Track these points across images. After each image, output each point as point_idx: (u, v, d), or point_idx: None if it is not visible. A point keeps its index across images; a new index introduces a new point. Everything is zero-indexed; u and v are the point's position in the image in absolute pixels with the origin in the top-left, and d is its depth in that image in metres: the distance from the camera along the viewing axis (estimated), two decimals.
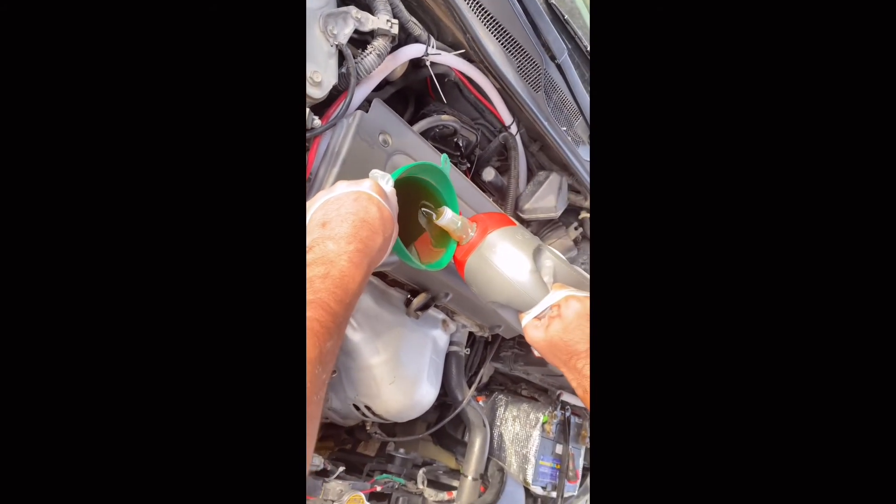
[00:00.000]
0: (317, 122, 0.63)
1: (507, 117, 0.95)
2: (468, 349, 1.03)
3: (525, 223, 1.06)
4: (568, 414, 1.20)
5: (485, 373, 1.12)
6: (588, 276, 0.64)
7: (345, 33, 0.65)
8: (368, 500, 0.77)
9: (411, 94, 0.94)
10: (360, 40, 0.71)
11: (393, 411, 0.81)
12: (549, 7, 0.92)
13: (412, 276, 0.79)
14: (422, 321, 0.85)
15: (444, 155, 0.70)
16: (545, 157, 1.07)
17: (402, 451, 1.00)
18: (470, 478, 0.95)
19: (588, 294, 0.59)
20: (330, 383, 0.76)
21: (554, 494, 1.14)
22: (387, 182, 0.56)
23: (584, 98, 0.96)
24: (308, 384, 0.34)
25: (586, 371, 0.54)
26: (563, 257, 0.64)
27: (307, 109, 0.62)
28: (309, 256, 0.44)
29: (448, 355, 0.95)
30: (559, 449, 1.16)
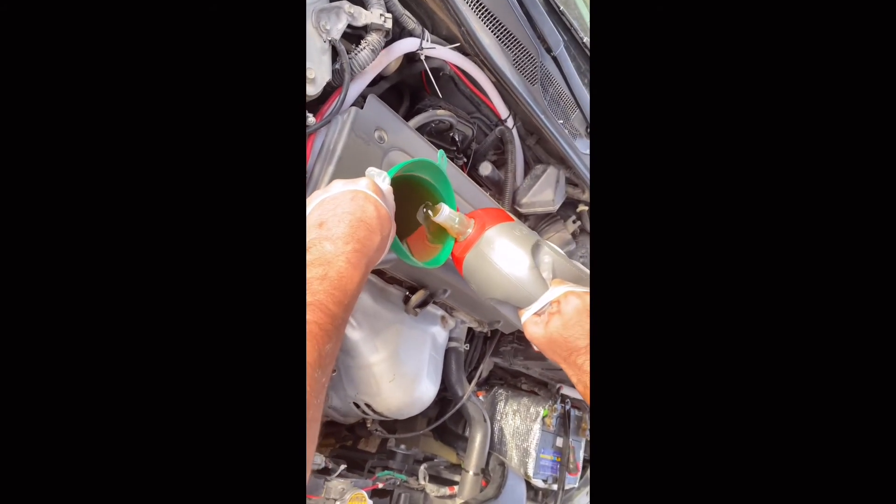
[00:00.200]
0: (311, 119, 0.63)
1: (503, 111, 0.94)
2: (467, 345, 1.03)
3: (523, 217, 1.06)
4: (568, 407, 1.20)
5: (484, 368, 1.12)
6: (587, 271, 0.63)
7: (338, 28, 0.64)
8: (370, 497, 0.77)
9: (406, 89, 0.93)
10: (354, 35, 0.70)
11: (393, 409, 0.81)
12: None
13: (410, 273, 0.79)
14: (420, 318, 0.85)
15: (441, 151, 0.69)
16: (542, 150, 1.06)
17: (402, 447, 1.00)
18: (471, 473, 0.96)
19: (587, 289, 0.59)
20: (329, 382, 0.76)
21: (555, 487, 1.15)
22: (383, 180, 0.56)
23: (581, 90, 0.95)
24: (308, 387, 0.34)
25: (586, 367, 0.53)
26: (562, 252, 0.64)
27: None
28: (306, 257, 0.43)
29: (447, 351, 0.95)
30: (559, 442, 1.16)
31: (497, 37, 0.82)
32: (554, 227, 1.08)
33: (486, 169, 0.97)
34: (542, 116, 0.92)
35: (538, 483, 1.10)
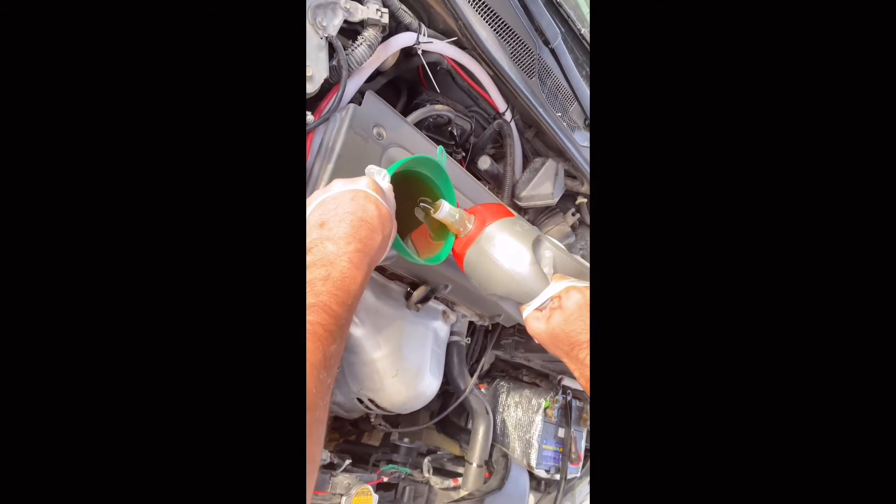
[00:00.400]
0: (309, 117, 0.62)
1: (500, 104, 0.94)
2: (469, 338, 1.04)
3: (522, 211, 1.06)
4: (569, 398, 1.21)
5: (486, 361, 1.13)
6: (588, 265, 0.63)
7: (334, 25, 0.63)
8: (375, 490, 0.78)
9: (403, 84, 0.93)
10: (350, 30, 0.69)
11: (397, 404, 0.82)
12: None
13: (411, 269, 0.79)
14: (422, 313, 0.85)
15: (441, 147, 0.69)
16: (540, 142, 1.06)
17: (406, 440, 1.01)
18: (475, 465, 0.97)
19: (588, 284, 0.59)
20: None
21: (557, 477, 1.16)
22: (383, 178, 0.55)
23: (579, 83, 0.94)
24: (314, 388, 0.34)
25: (588, 361, 0.54)
26: (563, 247, 0.64)
27: None
28: (308, 258, 0.43)
29: (449, 345, 0.96)
30: (561, 432, 1.18)
31: (494, 30, 0.82)
32: (553, 220, 1.08)
33: (484, 163, 0.97)
34: (541, 109, 0.92)
35: (541, 473, 1.11)
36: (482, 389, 1.20)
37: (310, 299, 0.39)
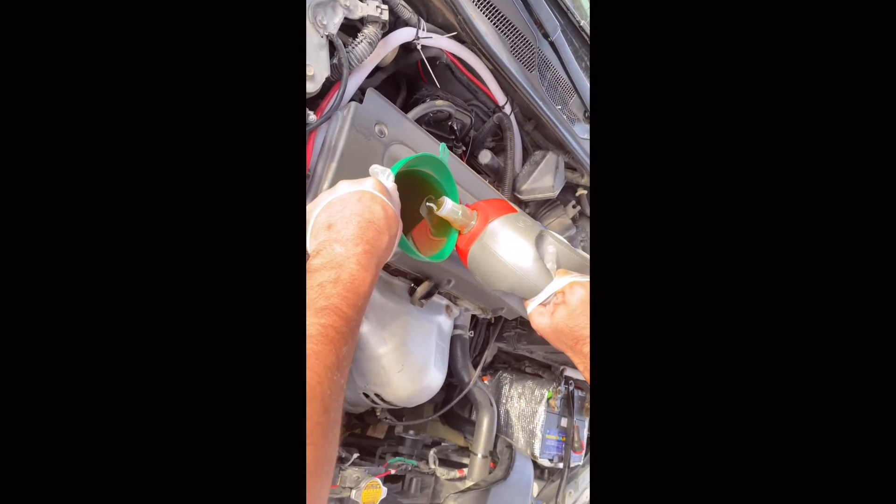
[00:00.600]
0: (312, 117, 0.62)
1: (500, 97, 0.94)
2: (472, 332, 1.05)
3: (523, 204, 1.06)
4: (571, 388, 1.23)
5: (489, 353, 1.14)
6: (589, 258, 0.64)
7: (334, 23, 0.63)
8: (383, 483, 0.79)
9: (403, 79, 0.92)
10: (349, 26, 0.69)
11: (402, 398, 0.83)
12: None
13: (415, 265, 0.80)
14: (426, 308, 0.86)
15: (443, 144, 0.69)
16: (540, 135, 1.06)
17: (411, 432, 1.03)
18: (480, 455, 0.98)
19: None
20: None
21: (561, 465, 1.18)
22: (387, 178, 0.56)
23: (579, 75, 0.94)
24: (328, 390, 0.35)
25: None
26: (566, 241, 0.65)
27: None
28: (317, 261, 0.44)
29: (453, 339, 0.97)
30: (564, 422, 1.19)
31: (494, 24, 0.81)
32: (554, 213, 1.09)
33: (485, 157, 0.97)
34: (540, 102, 0.92)
35: (544, 462, 1.13)
36: (486, 381, 1.22)
37: (321, 302, 0.40)
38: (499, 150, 1.04)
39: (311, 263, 0.44)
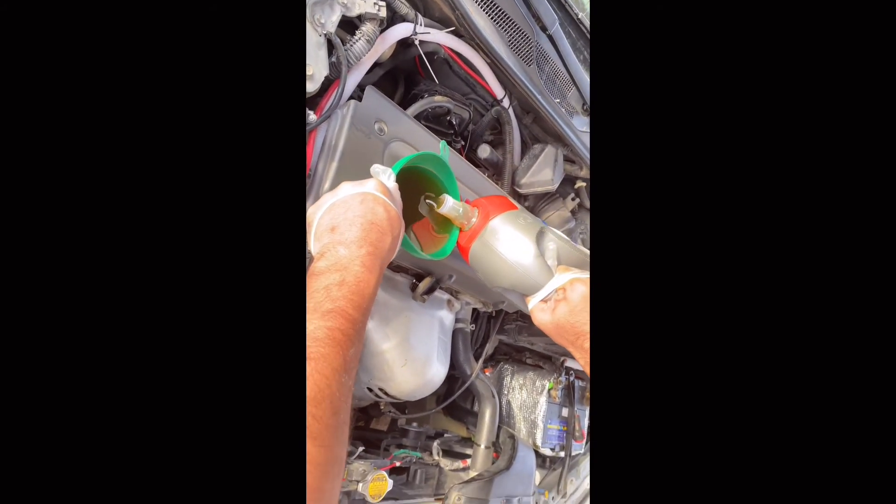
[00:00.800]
0: (311, 116, 0.62)
1: (498, 91, 0.93)
2: (473, 325, 1.06)
3: (522, 198, 1.06)
4: (572, 378, 1.24)
5: (490, 346, 1.15)
6: (589, 253, 0.65)
7: (332, 21, 0.63)
8: (389, 475, 0.80)
9: (400, 75, 0.92)
10: (346, 21, 0.69)
11: (406, 392, 0.84)
12: None
13: (416, 262, 0.80)
14: (428, 303, 0.87)
15: (443, 142, 0.69)
16: (539, 128, 1.06)
17: (414, 424, 1.04)
18: (483, 446, 1.00)
19: None
20: None
21: (563, 454, 1.20)
22: (388, 177, 0.56)
23: (577, 68, 0.94)
24: (336, 392, 0.36)
25: None
26: (566, 238, 0.65)
27: None
28: (321, 263, 0.44)
29: (454, 332, 0.98)
30: (565, 412, 1.21)
31: (491, 17, 0.81)
32: (553, 206, 1.09)
33: (484, 151, 0.97)
34: (539, 96, 0.92)
35: (546, 452, 1.15)
36: (487, 373, 1.23)
37: (327, 305, 0.40)
38: (497, 143, 1.04)
39: (316, 266, 0.44)
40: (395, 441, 1.02)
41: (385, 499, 0.79)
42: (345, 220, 0.47)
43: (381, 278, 0.47)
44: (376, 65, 0.80)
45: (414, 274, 0.85)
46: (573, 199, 1.12)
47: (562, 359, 1.27)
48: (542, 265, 0.61)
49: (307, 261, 0.60)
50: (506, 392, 1.20)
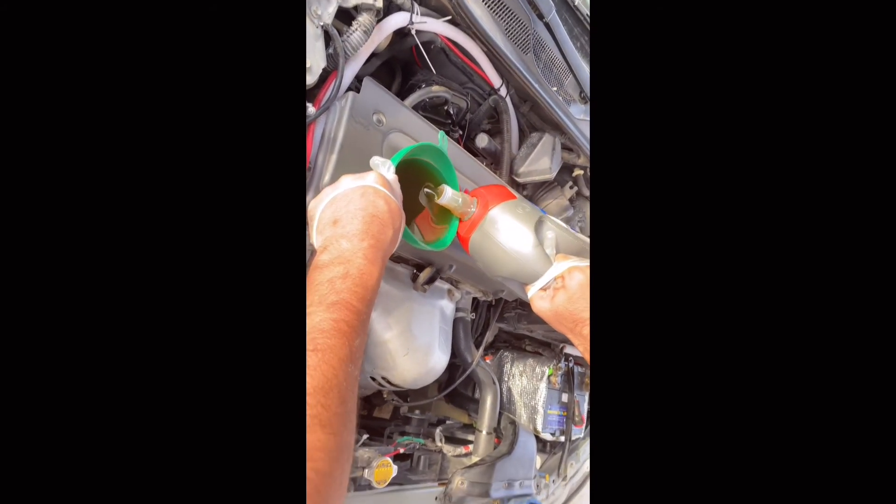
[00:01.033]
0: (310, 108, 0.63)
1: (495, 80, 0.93)
2: (473, 314, 1.07)
3: (521, 187, 1.07)
4: (571, 364, 1.26)
5: (490, 334, 1.16)
6: (588, 241, 0.66)
7: (329, 13, 0.63)
8: (393, 461, 0.82)
9: (397, 65, 0.92)
10: (342, 11, 0.68)
11: (409, 380, 0.85)
12: None
13: (416, 252, 0.81)
14: (429, 293, 0.88)
15: (442, 132, 0.70)
16: (536, 116, 1.06)
17: (417, 412, 1.06)
18: (484, 432, 1.02)
19: (589, 263, 0.61)
20: None
21: (563, 439, 1.22)
22: (388, 169, 0.56)
23: (574, 56, 0.94)
24: (343, 382, 0.37)
25: None
26: (565, 226, 0.66)
27: None
28: (325, 256, 0.45)
29: (455, 321, 0.99)
30: (565, 397, 1.23)
31: (488, 6, 0.81)
32: (552, 194, 1.10)
33: (482, 141, 0.97)
34: (536, 84, 0.92)
35: (547, 436, 1.17)
36: (488, 361, 1.25)
37: (332, 297, 0.41)
38: (495, 132, 1.04)
39: (320, 259, 0.45)
40: (398, 429, 1.04)
41: (390, 484, 0.80)
42: (346, 213, 0.48)
43: (383, 270, 0.48)
44: (373, 55, 0.80)
45: (414, 264, 0.85)
46: (571, 188, 1.13)
47: (561, 345, 1.28)
48: (540, 254, 0.62)
49: (309, 254, 0.61)
50: (506, 379, 1.21)
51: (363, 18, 0.67)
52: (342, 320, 0.39)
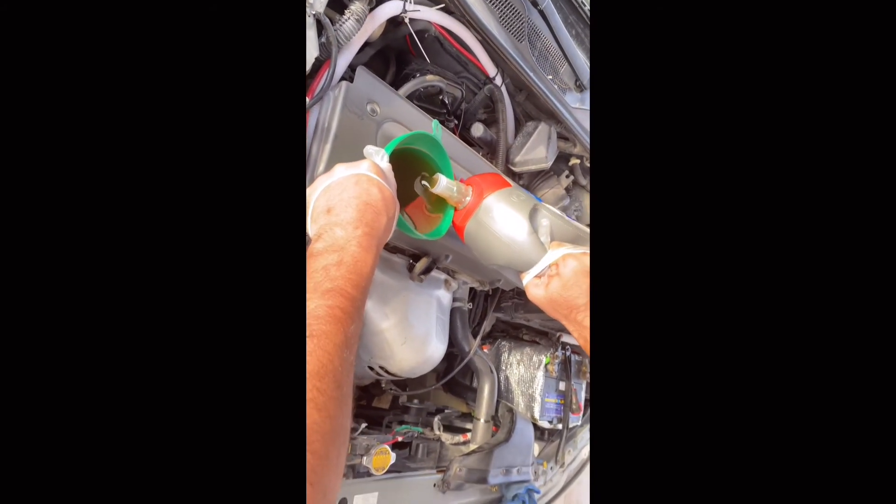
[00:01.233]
0: None
1: (490, 69, 0.93)
2: (470, 303, 1.07)
3: (517, 176, 1.07)
4: (568, 353, 1.27)
5: (487, 323, 1.17)
6: (584, 228, 0.66)
7: (321, 1, 0.62)
8: (392, 449, 0.83)
9: (391, 54, 0.91)
10: (336, 0, 0.68)
11: (407, 369, 0.86)
12: None
13: (412, 242, 0.81)
14: (425, 283, 0.88)
15: (435, 121, 0.70)
16: (532, 106, 1.06)
17: (416, 401, 1.07)
18: (482, 420, 1.03)
19: (583, 249, 0.62)
20: None
21: (560, 426, 1.24)
22: (382, 158, 0.57)
23: (569, 43, 0.93)
24: (339, 366, 0.37)
25: (586, 322, 0.57)
26: (560, 213, 0.66)
27: None
28: (319, 244, 0.45)
29: (452, 311, 0.99)
30: (562, 386, 1.24)
31: None
32: (548, 184, 1.10)
33: (477, 130, 0.97)
34: (531, 74, 0.92)
35: (544, 424, 1.18)
36: (485, 350, 1.26)
37: (326, 285, 0.41)
38: (491, 122, 1.03)
39: (314, 247, 0.45)
40: (396, 418, 1.05)
41: (388, 471, 0.81)
42: (340, 201, 0.48)
43: (377, 257, 0.48)
44: (367, 44, 0.79)
45: (411, 255, 0.86)
46: (567, 177, 1.13)
47: (558, 334, 1.29)
48: (535, 242, 0.63)
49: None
50: (504, 368, 1.22)
51: (356, 7, 0.67)
52: (337, 307, 0.40)
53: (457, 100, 0.94)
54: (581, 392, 1.28)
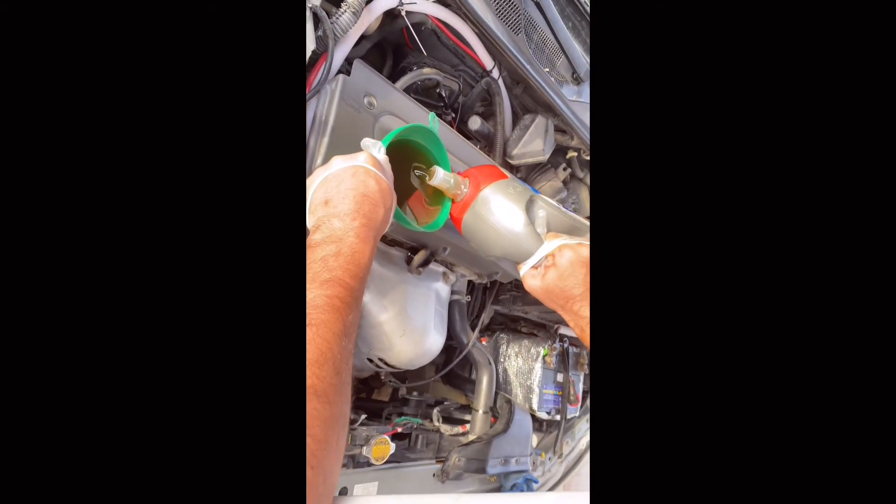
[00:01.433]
0: None
1: (487, 62, 0.93)
2: (469, 296, 1.08)
3: (514, 169, 1.07)
4: (566, 345, 1.28)
5: (486, 316, 1.18)
6: (580, 219, 0.66)
7: None
8: (391, 440, 0.84)
9: (388, 47, 0.91)
10: None
11: (405, 361, 0.87)
12: None
13: (410, 235, 0.82)
14: (424, 276, 0.89)
15: (432, 114, 0.70)
16: (529, 98, 1.06)
17: (415, 393, 1.08)
18: (481, 411, 1.04)
19: (580, 240, 0.62)
20: None
21: (558, 417, 1.25)
22: (379, 150, 0.57)
23: (566, 36, 0.93)
24: (338, 355, 0.38)
25: (583, 312, 0.58)
26: (556, 204, 0.67)
27: None
28: (317, 236, 0.46)
29: (451, 304, 1.00)
30: (560, 377, 1.25)
31: None
32: (545, 177, 1.10)
33: (475, 123, 0.98)
34: (528, 66, 0.92)
35: (542, 415, 1.20)
36: (484, 342, 1.27)
37: (325, 275, 0.42)
38: (488, 115, 1.04)
39: (312, 239, 0.46)
40: (396, 410, 1.06)
41: (388, 462, 0.82)
42: (338, 193, 0.48)
43: (375, 248, 0.49)
44: (363, 37, 0.80)
45: (409, 247, 0.86)
46: (565, 170, 1.13)
47: (556, 326, 1.30)
48: (531, 233, 0.63)
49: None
50: (502, 360, 1.23)
51: (352, 0, 0.67)
52: (335, 296, 0.41)
53: (454, 93, 0.94)
54: (579, 383, 1.30)
